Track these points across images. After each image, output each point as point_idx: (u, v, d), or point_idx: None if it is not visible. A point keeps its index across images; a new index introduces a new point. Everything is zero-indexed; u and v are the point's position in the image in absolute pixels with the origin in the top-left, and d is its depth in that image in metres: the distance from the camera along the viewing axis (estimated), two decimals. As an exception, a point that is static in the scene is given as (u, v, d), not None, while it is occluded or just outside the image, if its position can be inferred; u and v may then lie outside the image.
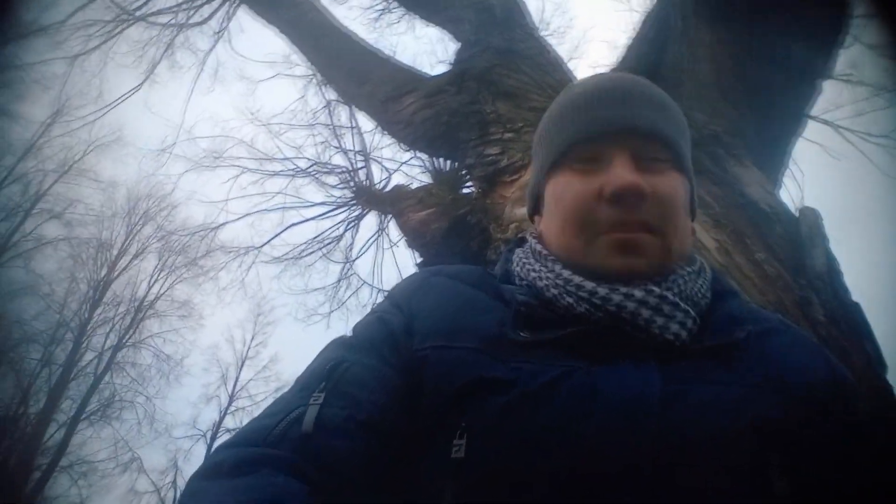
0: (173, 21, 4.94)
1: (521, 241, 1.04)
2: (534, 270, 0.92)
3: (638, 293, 0.82)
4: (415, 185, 3.99)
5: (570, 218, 0.89)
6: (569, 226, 0.89)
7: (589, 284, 0.84)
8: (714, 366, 0.81)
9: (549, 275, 0.89)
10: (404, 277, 1.03)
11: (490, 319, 0.88)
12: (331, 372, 0.84)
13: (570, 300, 0.85)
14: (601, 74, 1.01)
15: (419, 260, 3.54)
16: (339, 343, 0.93)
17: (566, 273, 0.87)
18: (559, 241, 0.91)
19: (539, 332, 0.84)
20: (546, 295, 0.88)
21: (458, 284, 0.97)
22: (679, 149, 0.92)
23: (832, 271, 1.86)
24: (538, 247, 0.95)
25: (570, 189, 0.90)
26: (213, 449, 0.79)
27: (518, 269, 0.96)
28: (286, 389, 0.88)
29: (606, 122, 0.89)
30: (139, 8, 4.78)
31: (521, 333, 0.85)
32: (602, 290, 0.83)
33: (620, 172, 0.85)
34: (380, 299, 1.02)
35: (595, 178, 0.88)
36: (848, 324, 1.77)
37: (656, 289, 0.83)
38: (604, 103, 0.91)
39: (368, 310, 1.03)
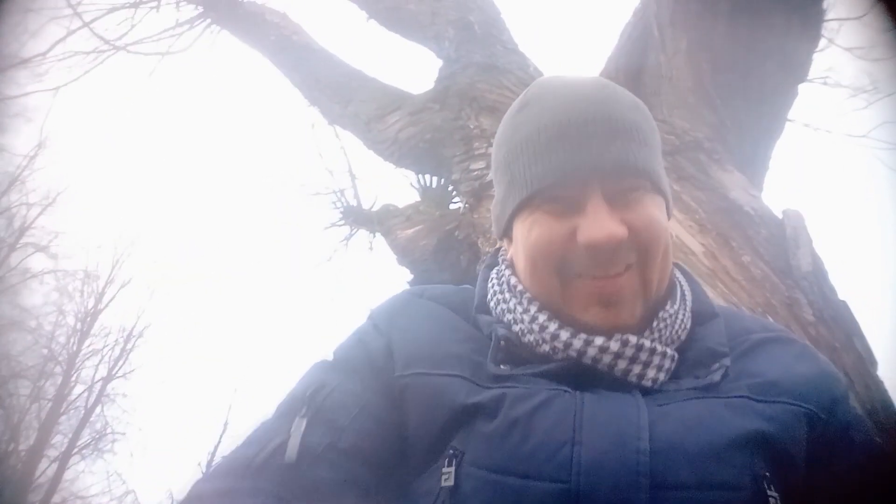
0: (155, 50, 4.95)
1: (496, 260, 1.01)
2: (509, 310, 0.90)
3: (613, 345, 0.80)
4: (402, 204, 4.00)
5: (542, 261, 0.85)
6: (543, 272, 0.85)
7: (564, 335, 0.82)
8: (695, 390, 0.81)
9: (523, 317, 0.87)
10: (388, 298, 1.01)
11: (472, 347, 0.87)
12: (312, 398, 0.82)
13: (546, 348, 0.84)
14: (559, 89, 0.90)
15: (410, 277, 3.53)
16: (320, 367, 0.91)
17: (541, 318, 0.85)
18: (533, 283, 0.88)
19: (519, 367, 0.84)
20: (522, 339, 0.87)
21: (441, 309, 0.95)
22: (653, 172, 0.86)
23: (818, 271, 1.88)
24: (512, 279, 0.91)
25: (541, 232, 0.85)
26: (193, 483, 0.77)
27: (493, 303, 0.94)
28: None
29: (573, 165, 0.82)
30: (121, 38, 4.80)
31: (502, 367, 0.84)
32: (578, 343, 0.81)
33: (595, 221, 0.80)
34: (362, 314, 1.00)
35: (567, 221, 0.83)
36: (836, 322, 1.78)
37: (633, 338, 0.81)
38: (567, 141, 0.83)
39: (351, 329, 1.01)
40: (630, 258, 0.83)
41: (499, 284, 0.94)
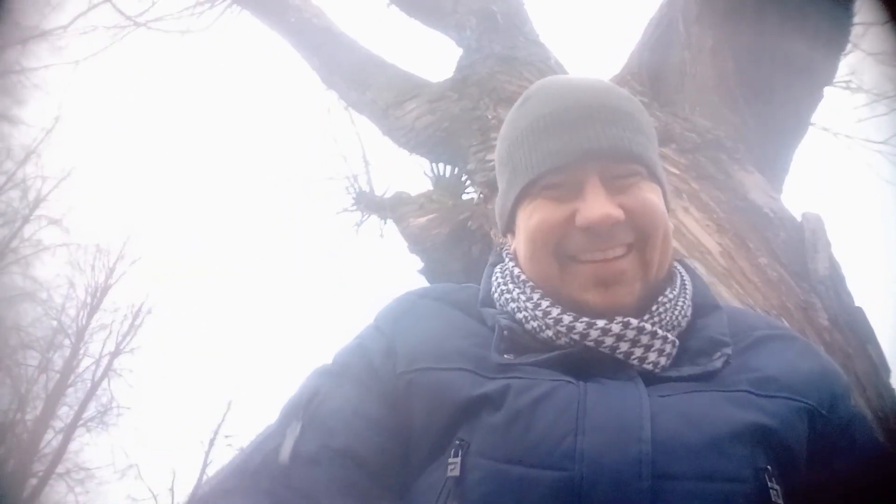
0: (175, 28, 4.95)
1: (500, 258, 1.04)
2: (513, 300, 0.92)
3: (615, 327, 0.82)
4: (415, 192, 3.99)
5: (542, 244, 0.88)
6: (542, 254, 0.88)
7: (566, 318, 0.84)
8: (696, 381, 0.82)
9: (527, 304, 0.89)
10: (392, 300, 1.03)
11: (476, 342, 0.89)
12: (308, 402, 0.86)
13: (550, 333, 0.86)
14: (557, 85, 0.95)
15: (421, 266, 3.54)
16: (319, 371, 0.94)
17: (544, 304, 0.87)
18: (533, 267, 0.91)
19: (523, 356, 0.85)
20: (526, 326, 0.89)
21: (444, 307, 0.98)
22: (649, 160, 0.90)
23: (835, 276, 1.87)
24: (515, 270, 0.95)
25: (541, 217, 0.88)
26: (199, 483, 0.82)
27: (497, 295, 0.96)
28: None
29: (572, 149, 0.86)
30: (142, 14, 4.80)
31: (506, 356, 0.86)
32: (579, 326, 0.83)
33: (592, 202, 0.84)
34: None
35: (566, 205, 0.87)
36: (851, 328, 1.77)
37: (634, 321, 0.83)
38: (567, 127, 0.87)
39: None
40: (628, 238, 0.86)
41: (502, 277, 0.97)
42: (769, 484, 0.72)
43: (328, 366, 0.95)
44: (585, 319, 0.83)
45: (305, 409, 0.85)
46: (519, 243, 0.95)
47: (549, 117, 0.89)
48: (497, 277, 0.98)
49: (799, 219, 2.01)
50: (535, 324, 0.88)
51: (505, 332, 0.88)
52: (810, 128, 2.53)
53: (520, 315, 0.90)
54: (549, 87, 0.95)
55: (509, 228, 1.00)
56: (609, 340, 0.82)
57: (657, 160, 0.93)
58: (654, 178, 0.90)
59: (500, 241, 1.11)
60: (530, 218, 0.89)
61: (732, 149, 2.11)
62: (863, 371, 1.68)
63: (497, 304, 0.95)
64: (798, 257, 1.90)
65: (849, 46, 2.30)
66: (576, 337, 0.83)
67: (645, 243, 0.87)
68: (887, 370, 1.72)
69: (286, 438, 0.82)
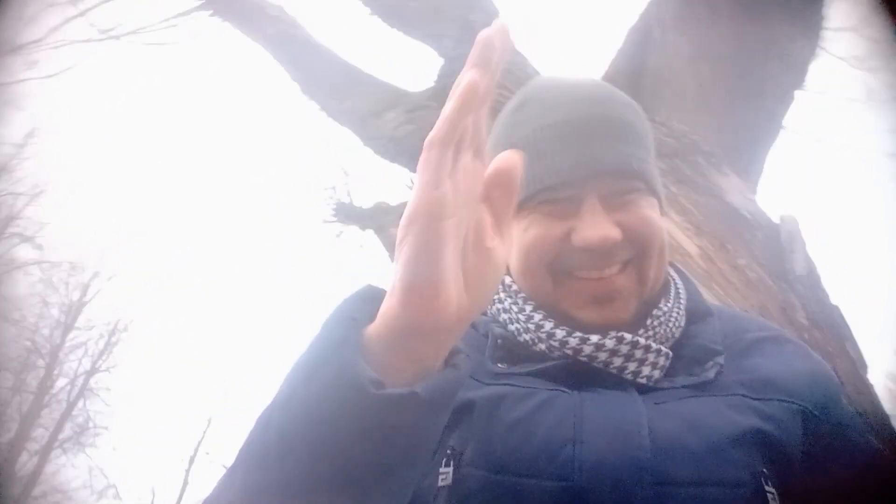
0: (151, 41, 4.92)
1: None
2: (504, 310, 0.90)
3: (609, 343, 0.81)
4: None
5: (536, 260, 0.86)
6: (536, 269, 0.86)
7: (559, 333, 0.83)
8: (691, 388, 0.82)
9: (519, 316, 0.87)
10: None
11: (467, 345, 0.86)
12: None
13: (543, 347, 0.84)
14: (557, 89, 0.91)
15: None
16: None
17: (537, 317, 0.85)
18: (526, 282, 0.89)
19: (516, 365, 0.84)
20: (518, 339, 0.88)
21: None
22: (648, 174, 0.88)
23: (812, 275, 1.90)
24: (507, 279, 0.92)
25: (536, 232, 0.86)
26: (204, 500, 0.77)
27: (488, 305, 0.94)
28: None
29: (570, 166, 0.83)
30: (115, 28, 4.76)
31: (500, 365, 0.85)
32: (573, 341, 0.82)
33: (589, 222, 0.82)
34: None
35: (563, 223, 0.84)
36: (829, 326, 1.80)
37: (627, 336, 0.81)
38: (565, 142, 0.84)
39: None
40: (625, 255, 0.84)
41: None
42: (766, 487, 0.72)
43: None
44: (579, 334, 0.82)
45: None
46: (511, 255, 0.91)
47: (548, 129, 0.86)
48: None
49: (776, 220, 2.04)
50: (527, 336, 0.86)
51: (499, 341, 0.87)
52: (783, 132, 2.58)
53: (512, 327, 0.88)
54: (548, 90, 0.92)
55: None
56: (602, 356, 0.81)
57: (656, 172, 0.91)
58: (651, 191, 0.88)
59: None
60: (525, 232, 0.87)
61: (709, 153, 2.15)
62: (842, 368, 1.71)
63: (489, 311, 0.94)
64: (775, 258, 1.94)
65: (819, 51, 2.36)
66: (569, 352, 0.82)
67: (641, 260, 0.85)
68: (864, 366, 1.76)
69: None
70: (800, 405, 0.81)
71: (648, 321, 0.85)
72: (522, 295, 0.89)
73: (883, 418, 1.61)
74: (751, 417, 0.77)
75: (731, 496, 0.70)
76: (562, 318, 0.84)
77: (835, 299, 1.91)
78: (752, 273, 1.91)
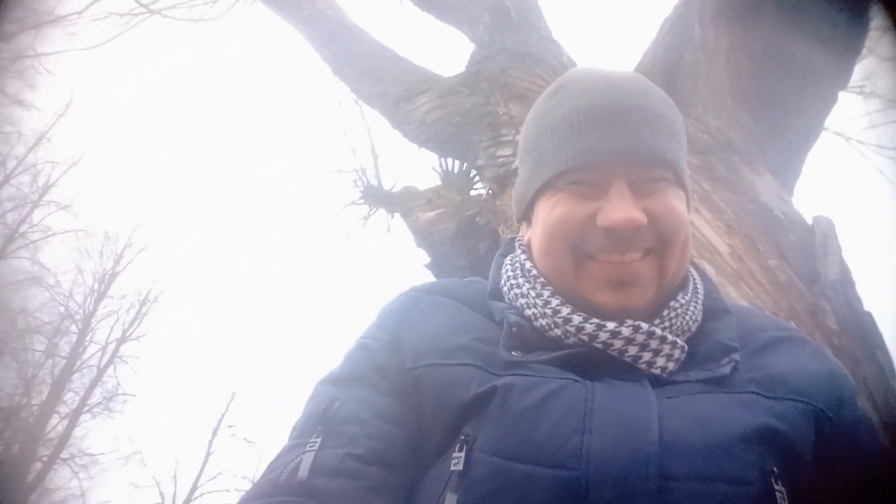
0: (189, 17, 4.97)
1: (510, 247, 1.03)
2: (522, 295, 0.91)
3: (625, 331, 0.81)
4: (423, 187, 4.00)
5: (560, 238, 0.87)
6: (559, 249, 0.87)
7: (576, 319, 0.84)
8: (704, 383, 0.82)
9: (536, 301, 0.88)
10: (395, 297, 1.02)
11: (481, 337, 0.88)
12: (324, 414, 0.84)
13: (558, 332, 0.85)
14: (594, 76, 0.92)
15: (427, 261, 3.54)
16: (329, 380, 0.93)
17: (554, 302, 0.86)
18: (548, 261, 0.90)
19: (531, 353, 0.85)
20: (534, 324, 0.88)
21: (450, 301, 0.97)
22: (678, 166, 0.89)
23: (845, 280, 1.86)
24: (527, 263, 0.93)
25: (562, 211, 0.87)
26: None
27: (506, 288, 0.95)
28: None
29: (603, 148, 0.84)
30: (156, 1, 4.82)
31: (514, 353, 0.85)
32: (589, 327, 0.82)
33: (616, 204, 0.83)
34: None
35: (590, 203, 0.85)
36: (860, 333, 1.76)
37: (644, 325, 0.82)
38: (600, 125, 0.85)
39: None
40: (648, 242, 0.85)
41: (512, 270, 0.96)
42: (775, 486, 0.72)
43: (336, 372, 0.94)
44: (595, 321, 0.83)
45: (322, 422, 0.83)
46: (535, 234, 0.93)
47: (583, 112, 0.87)
48: (507, 269, 0.97)
49: (810, 222, 2.00)
50: (543, 322, 0.87)
51: (514, 329, 0.88)
52: (824, 132, 2.52)
53: (528, 312, 0.89)
54: (585, 78, 0.93)
55: (526, 216, 0.98)
56: (618, 343, 0.81)
57: (685, 166, 0.92)
58: (680, 184, 0.89)
59: (508, 236, 1.10)
60: (551, 211, 0.88)
61: (744, 151, 2.10)
62: (871, 376, 1.68)
63: (506, 297, 0.95)
64: (808, 261, 1.89)
65: (864, 51, 2.28)
66: (585, 338, 0.82)
67: (664, 250, 0.86)
68: (894, 375, 1.72)
69: (305, 454, 0.79)
70: (813, 405, 0.81)
71: (665, 312, 0.85)
72: (541, 280, 0.90)
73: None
74: (762, 416, 0.77)
75: (738, 493, 0.71)
76: (579, 304, 0.85)
77: (868, 305, 1.86)
78: (782, 275, 1.87)
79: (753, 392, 0.80)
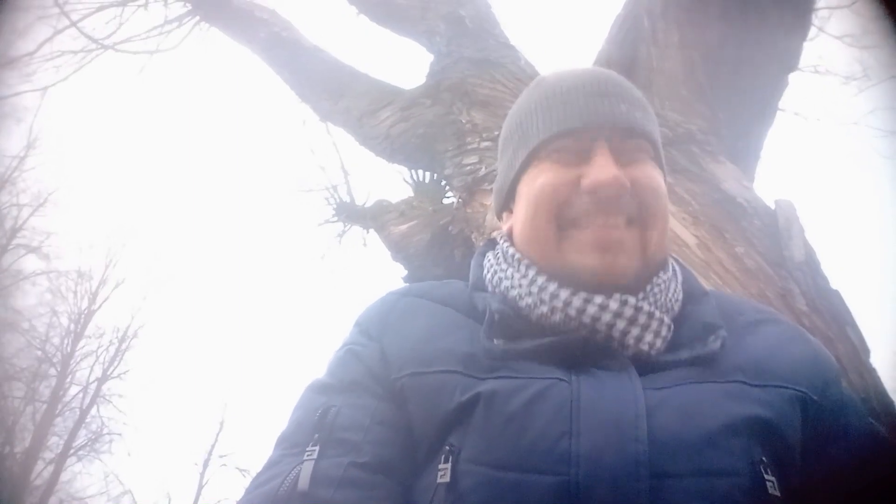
0: (144, 49, 4.91)
1: (492, 245, 1.02)
2: (506, 278, 0.91)
3: (613, 304, 0.82)
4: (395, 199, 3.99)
5: (545, 205, 0.87)
6: (543, 216, 0.88)
7: (564, 293, 0.83)
8: (691, 370, 0.81)
9: (522, 281, 0.88)
10: (373, 302, 0.99)
11: (463, 336, 0.87)
12: (320, 421, 0.80)
13: (545, 309, 0.84)
14: (574, 68, 0.96)
15: (404, 273, 3.53)
16: (319, 387, 0.89)
17: (540, 280, 0.86)
18: (532, 232, 0.89)
19: (514, 342, 0.84)
20: (520, 304, 0.87)
21: (428, 303, 0.95)
22: (655, 141, 0.92)
23: (811, 261, 1.88)
24: (510, 249, 0.93)
25: (546, 178, 0.88)
26: None
27: (489, 276, 0.95)
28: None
29: (587, 115, 0.87)
30: (109, 37, 4.76)
31: (496, 341, 0.84)
32: (577, 301, 0.82)
33: (601, 166, 0.85)
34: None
35: (573, 170, 0.87)
36: (830, 312, 1.79)
37: (632, 299, 0.82)
38: (583, 96, 0.89)
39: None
40: (631, 210, 0.86)
41: (495, 259, 0.96)
42: (765, 476, 0.72)
43: (325, 380, 0.90)
44: (583, 294, 0.83)
45: (320, 429, 0.79)
46: (518, 212, 0.94)
47: (565, 89, 0.91)
48: (489, 260, 0.97)
49: (772, 206, 2.03)
50: (528, 300, 0.86)
51: (496, 317, 0.86)
52: (781, 114, 2.56)
53: (513, 293, 0.88)
54: (563, 71, 0.97)
55: (506, 206, 0.99)
56: (606, 317, 0.81)
57: (661, 148, 0.96)
58: (657, 162, 0.93)
59: (483, 242, 1.10)
60: (535, 181, 0.89)
61: (704, 141, 2.13)
62: (844, 353, 1.70)
63: (489, 286, 0.94)
64: (774, 245, 1.92)
65: (814, 31, 2.33)
66: (572, 313, 0.82)
67: (646, 221, 0.87)
68: (867, 351, 1.74)
69: (304, 464, 0.75)
70: (798, 391, 0.81)
71: (648, 287, 0.86)
72: (525, 261, 0.90)
73: (886, 403, 1.59)
74: (749, 406, 0.77)
75: (729, 485, 0.71)
76: (564, 277, 0.85)
77: (835, 283, 1.89)
78: (750, 261, 1.89)
79: (739, 381, 0.80)
